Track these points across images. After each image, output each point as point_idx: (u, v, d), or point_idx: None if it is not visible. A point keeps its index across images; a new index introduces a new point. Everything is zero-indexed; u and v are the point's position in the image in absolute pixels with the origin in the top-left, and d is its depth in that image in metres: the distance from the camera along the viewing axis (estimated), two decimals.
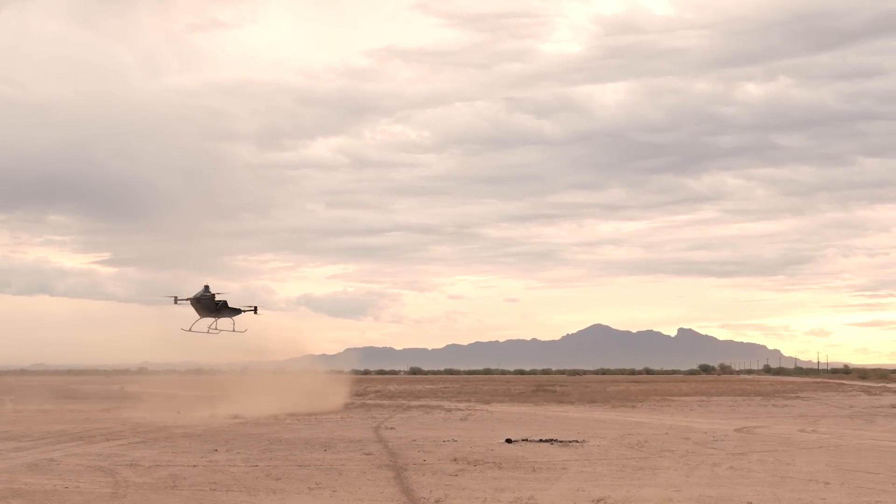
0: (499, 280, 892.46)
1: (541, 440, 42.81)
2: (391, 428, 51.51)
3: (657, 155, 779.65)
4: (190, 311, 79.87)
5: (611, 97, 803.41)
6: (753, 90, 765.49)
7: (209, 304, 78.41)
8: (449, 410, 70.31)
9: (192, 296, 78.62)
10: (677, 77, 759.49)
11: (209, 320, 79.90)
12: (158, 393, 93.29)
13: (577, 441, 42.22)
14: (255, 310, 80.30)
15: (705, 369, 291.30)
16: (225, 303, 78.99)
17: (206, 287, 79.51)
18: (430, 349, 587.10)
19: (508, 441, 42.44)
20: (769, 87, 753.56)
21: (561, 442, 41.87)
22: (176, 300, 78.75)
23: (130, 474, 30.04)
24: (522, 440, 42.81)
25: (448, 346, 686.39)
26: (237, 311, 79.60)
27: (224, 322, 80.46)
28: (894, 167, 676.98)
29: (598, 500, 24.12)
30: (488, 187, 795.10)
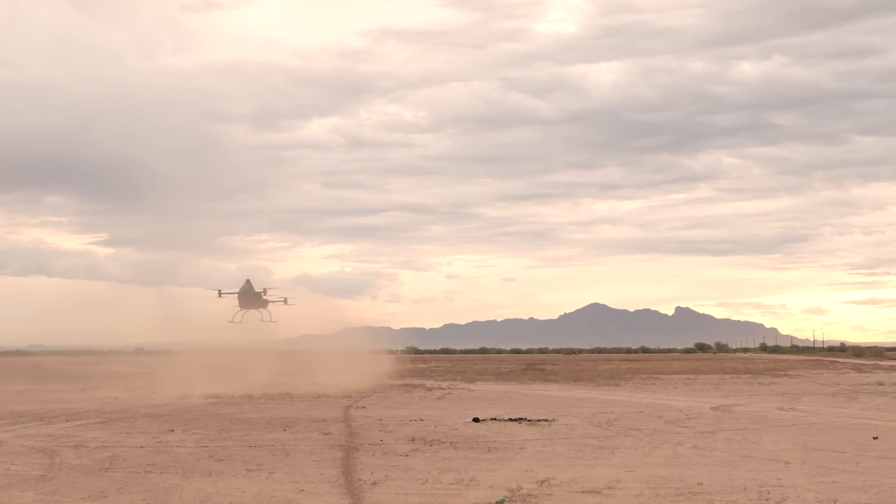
0: (496, 259, 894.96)
1: (510, 419, 41.82)
2: (363, 407, 50.52)
3: (652, 134, 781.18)
4: (220, 301, 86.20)
5: (605, 77, 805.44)
6: (748, 69, 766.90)
7: (251, 297, 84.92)
8: (430, 389, 69.36)
9: (238, 289, 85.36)
10: (672, 56, 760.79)
11: (247, 311, 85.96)
12: (145, 373, 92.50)
13: (545, 420, 41.23)
14: (286, 301, 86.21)
15: (701, 348, 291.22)
16: (262, 295, 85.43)
17: (248, 281, 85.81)
18: (427, 328, 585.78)
19: (476, 420, 41.44)
20: (764, 66, 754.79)
21: (529, 421, 40.88)
22: (220, 293, 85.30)
23: (71, 455, 29.02)
24: (491, 419, 41.80)
25: (446, 326, 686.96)
26: (266, 302, 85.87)
27: (256, 313, 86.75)
28: (889, 145, 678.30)
29: (542, 482, 23.08)
30: (484, 167, 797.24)
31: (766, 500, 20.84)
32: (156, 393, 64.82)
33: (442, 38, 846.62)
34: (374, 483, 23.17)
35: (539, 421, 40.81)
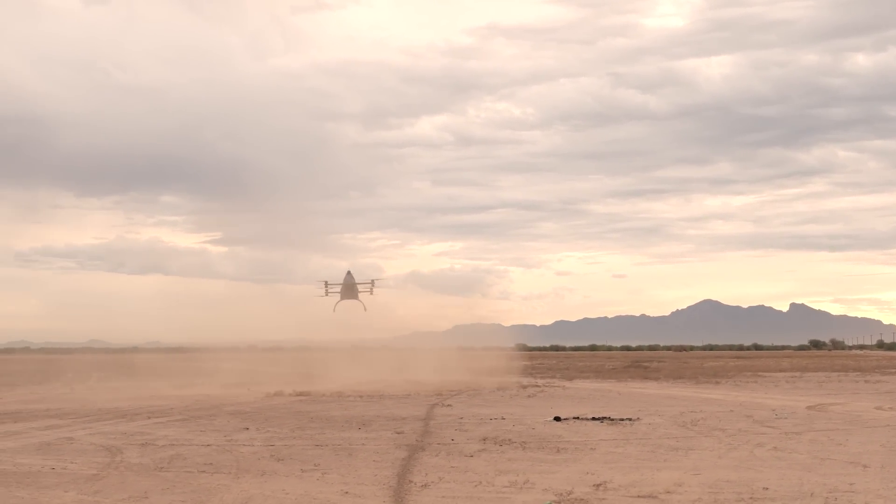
0: (606, 256, 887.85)
1: (592, 418, 40.74)
2: (448, 405, 49.83)
3: (764, 128, 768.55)
4: (325, 295, 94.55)
5: (716, 70, 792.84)
6: (862, 61, 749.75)
7: (352, 288, 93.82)
8: (524, 387, 68.51)
9: (342, 281, 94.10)
10: (783, 49, 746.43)
11: (346, 301, 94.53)
12: (249, 370, 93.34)
13: (629, 419, 40.06)
14: (371, 291, 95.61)
15: (816, 345, 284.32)
16: (356, 286, 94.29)
17: (349, 273, 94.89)
18: (538, 325, 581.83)
19: (557, 419, 40.46)
20: (879, 58, 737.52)
21: (611, 420, 39.76)
22: (326, 284, 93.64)
23: (133, 454, 28.79)
24: (573, 418, 40.78)
25: (556, 323, 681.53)
26: (357, 293, 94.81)
27: (355, 303, 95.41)
28: None
29: (598, 485, 22.09)
30: (594, 163, 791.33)
31: None
32: (249, 390, 65.00)
33: (550, 34, 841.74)
34: (424, 486, 22.41)
35: (622, 420, 39.69)
